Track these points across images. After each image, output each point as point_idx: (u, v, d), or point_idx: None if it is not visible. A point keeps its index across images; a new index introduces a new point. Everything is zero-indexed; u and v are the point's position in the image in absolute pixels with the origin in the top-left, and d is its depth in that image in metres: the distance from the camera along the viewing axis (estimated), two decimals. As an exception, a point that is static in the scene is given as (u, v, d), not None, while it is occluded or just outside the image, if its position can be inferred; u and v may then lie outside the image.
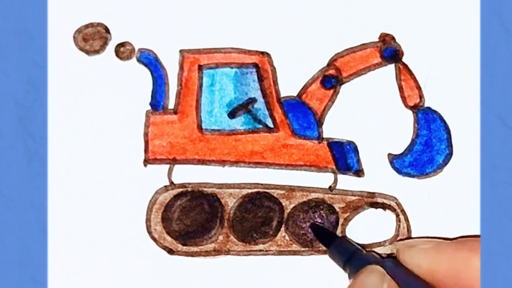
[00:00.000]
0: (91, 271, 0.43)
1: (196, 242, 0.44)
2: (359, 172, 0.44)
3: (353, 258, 0.40)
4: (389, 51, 0.44)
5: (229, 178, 0.44)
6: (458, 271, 0.37)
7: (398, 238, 0.44)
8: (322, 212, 0.44)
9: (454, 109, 0.44)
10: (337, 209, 0.44)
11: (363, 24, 0.44)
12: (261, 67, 0.43)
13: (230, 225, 0.44)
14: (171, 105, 0.43)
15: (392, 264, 0.39)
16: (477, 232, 0.43)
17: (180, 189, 0.44)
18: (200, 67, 0.43)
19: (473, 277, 0.36)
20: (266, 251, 0.44)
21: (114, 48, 0.43)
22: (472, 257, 0.37)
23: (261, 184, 0.44)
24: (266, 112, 0.44)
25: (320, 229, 0.43)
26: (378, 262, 0.40)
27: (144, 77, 0.43)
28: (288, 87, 0.44)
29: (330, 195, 0.44)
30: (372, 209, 0.44)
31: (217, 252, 0.44)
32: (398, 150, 0.44)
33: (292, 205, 0.44)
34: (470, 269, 0.37)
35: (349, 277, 0.40)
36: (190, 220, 0.44)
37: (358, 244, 0.42)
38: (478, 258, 0.37)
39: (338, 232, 0.44)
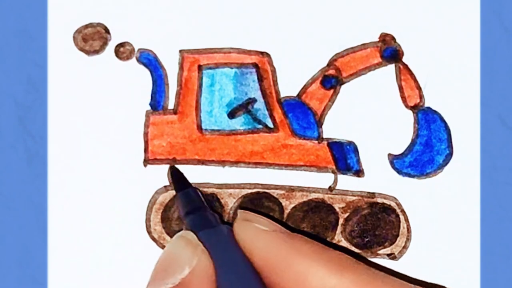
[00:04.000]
0: (91, 271, 0.43)
1: (196, 242, 0.44)
2: (359, 172, 0.44)
3: (193, 213, 0.38)
4: (389, 51, 0.44)
5: (229, 178, 0.44)
6: (280, 269, 0.33)
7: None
8: (322, 212, 0.44)
9: (454, 109, 0.44)
10: (337, 209, 0.44)
11: (363, 24, 0.44)
12: (261, 67, 0.44)
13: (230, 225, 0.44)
14: (171, 105, 0.43)
15: (220, 233, 0.36)
16: (477, 232, 0.43)
17: (180, 189, 0.44)
18: (200, 67, 0.43)
19: (290, 281, 0.32)
20: (266, 251, 0.44)
21: (114, 48, 0.43)
22: (299, 262, 0.32)
23: (261, 184, 0.44)
24: (266, 112, 0.44)
25: (178, 174, 0.42)
26: (210, 228, 0.37)
27: (144, 77, 0.43)
28: (288, 87, 0.44)
29: (330, 195, 0.44)
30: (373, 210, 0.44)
31: (217, 252, 0.44)
32: (398, 150, 0.44)
33: (292, 205, 0.44)
34: (289, 273, 0.32)
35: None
36: (190, 220, 0.44)
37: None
38: (302, 261, 0.32)
39: (338, 232, 0.44)
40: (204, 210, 0.39)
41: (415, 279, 0.43)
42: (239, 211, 0.36)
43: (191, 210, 0.39)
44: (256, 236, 0.34)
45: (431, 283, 0.43)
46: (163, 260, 0.35)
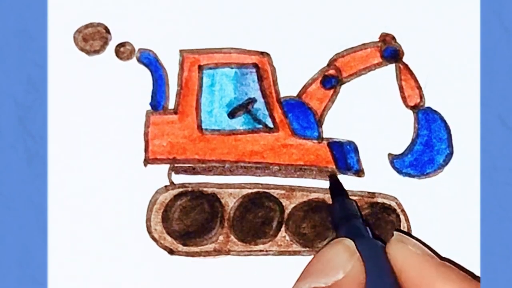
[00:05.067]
0: (91, 271, 0.43)
1: (196, 242, 0.44)
2: (359, 172, 0.44)
3: (347, 221, 0.40)
4: (390, 51, 0.44)
5: (229, 178, 0.44)
6: None
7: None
8: (322, 212, 0.44)
9: (454, 109, 0.44)
10: (337, 209, 0.44)
11: (363, 24, 0.44)
12: (261, 67, 0.44)
13: (230, 225, 0.44)
14: (171, 105, 0.43)
15: (374, 246, 0.37)
16: (477, 232, 0.43)
17: (180, 189, 0.44)
18: (200, 67, 0.43)
19: None
20: (267, 251, 0.44)
21: (114, 48, 0.43)
22: None
23: (261, 184, 0.44)
24: (266, 112, 0.44)
25: (336, 182, 0.43)
26: (365, 238, 0.39)
27: (144, 77, 0.43)
28: (288, 87, 0.44)
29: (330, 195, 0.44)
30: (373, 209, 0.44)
31: (217, 252, 0.44)
32: (399, 150, 0.44)
33: (293, 205, 0.44)
34: None
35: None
36: (190, 220, 0.44)
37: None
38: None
39: (338, 232, 0.44)
40: (360, 221, 0.40)
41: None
42: (395, 232, 0.38)
43: (348, 217, 0.40)
44: (408, 257, 0.36)
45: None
46: (319, 260, 0.36)
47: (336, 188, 0.43)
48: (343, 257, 0.36)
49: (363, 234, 0.39)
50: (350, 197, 0.44)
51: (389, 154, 0.44)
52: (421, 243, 0.43)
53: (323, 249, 0.37)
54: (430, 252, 0.36)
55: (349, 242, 0.36)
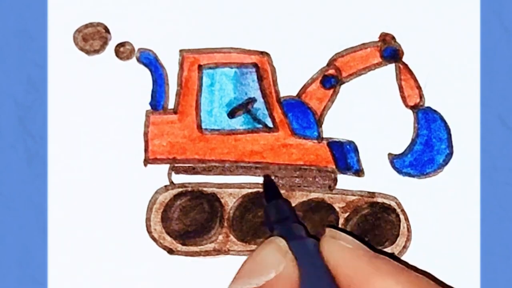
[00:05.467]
0: (91, 271, 0.43)
1: (196, 242, 0.44)
2: (359, 172, 0.44)
3: (283, 223, 0.39)
4: (389, 51, 0.44)
5: (229, 178, 0.44)
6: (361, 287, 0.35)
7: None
8: (322, 212, 0.44)
9: (454, 109, 0.44)
10: (337, 209, 0.44)
11: (363, 24, 0.44)
12: (260, 67, 0.44)
13: (230, 225, 0.44)
14: (171, 105, 0.43)
15: (307, 245, 0.37)
16: (477, 232, 0.43)
17: (180, 189, 0.44)
18: (200, 67, 0.43)
19: None
20: (266, 251, 0.44)
21: (114, 48, 0.43)
22: (380, 282, 0.34)
23: (261, 184, 0.44)
24: (266, 112, 0.44)
25: (271, 184, 0.43)
26: (297, 237, 0.38)
27: (144, 77, 0.43)
28: (288, 87, 0.44)
29: (330, 195, 0.44)
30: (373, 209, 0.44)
31: (217, 252, 0.44)
32: (398, 150, 0.44)
33: (292, 205, 0.44)
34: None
35: None
36: (190, 220, 0.44)
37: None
38: (383, 281, 0.34)
39: (338, 232, 0.44)
40: (294, 222, 0.40)
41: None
42: (327, 228, 0.37)
43: (281, 219, 0.40)
44: (341, 253, 0.36)
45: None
46: (251, 261, 0.36)
47: (270, 190, 0.42)
48: (274, 257, 0.35)
49: (296, 234, 0.38)
50: (350, 197, 0.44)
51: (389, 154, 0.44)
52: (420, 243, 0.43)
53: (256, 250, 0.36)
54: (363, 246, 0.36)
55: (280, 242, 0.36)
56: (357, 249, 0.36)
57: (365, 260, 0.35)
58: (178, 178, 0.44)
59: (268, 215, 0.41)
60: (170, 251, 0.43)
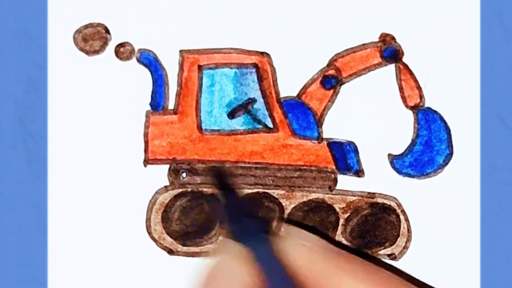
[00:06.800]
0: (91, 271, 0.43)
1: (196, 242, 0.44)
2: (359, 172, 0.44)
3: (237, 220, 0.39)
4: (389, 51, 0.44)
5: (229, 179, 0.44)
6: (321, 285, 0.34)
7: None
8: (322, 212, 0.44)
9: (454, 109, 0.44)
10: (338, 210, 0.44)
11: (363, 24, 0.44)
12: (260, 67, 0.44)
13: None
14: (171, 105, 0.43)
15: (266, 245, 0.36)
16: (477, 232, 0.43)
17: (180, 190, 0.44)
18: (200, 68, 0.43)
19: None
20: (266, 251, 0.44)
21: (114, 49, 0.43)
22: (339, 279, 0.34)
23: (261, 185, 0.44)
24: (266, 112, 0.44)
25: (226, 179, 0.42)
26: (255, 238, 0.37)
27: (144, 77, 0.43)
28: (288, 87, 0.44)
29: (330, 195, 0.44)
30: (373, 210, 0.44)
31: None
32: (398, 150, 0.44)
33: (292, 205, 0.44)
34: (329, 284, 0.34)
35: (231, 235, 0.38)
36: (190, 221, 0.44)
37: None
38: (342, 278, 0.33)
39: (339, 233, 0.44)
40: (250, 219, 0.39)
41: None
42: (284, 225, 0.37)
43: (237, 218, 0.39)
44: (299, 250, 0.35)
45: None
46: (214, 272, 0.35)
47: (225, 184, 0.42)
48: (236, 270, 0.34)
49: (253, 233, 0.37)
50: (350, 197, 0.44)
51: (389, 154, 0.44)
52: (420, 243, 0.43)
53: (217, 259, 0.35)
54: (323, 242, 0.35)
55: (243, 251, 0.35)
56: (315, 246, 0.35)
57: (325, 257, 0.34)
58: (178, 179, 0.44)
59: (223, 211, 0.40)
60: (170, 252, 0.43)
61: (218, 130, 0.44)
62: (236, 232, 0.38)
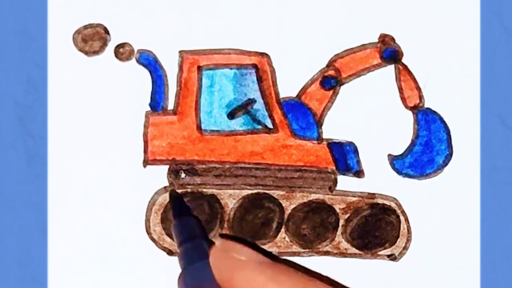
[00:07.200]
0: (91, 271, 0.43)
1: (196, 243, 0.44)
2: (359, 173, 0.44)
3: (189, 246, 0.39)
4: (389, 52, 0.44)
5: (228, 179, 0.44)
6: None
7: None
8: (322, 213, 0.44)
9: (454, 109, 0.44)
10: (338, 210, 0.44)
11: (362, 24, 0.44)
12: (260, 68, 0.44)
13: (230, 226, 0.44)
14: (170, 105, 0.44)
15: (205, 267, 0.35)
16: (477, 232, 0.43)
17: (180, 190, 0.44)
18: (200, 68, 0.43)
19: None
20: (266, 252, 0.44)
21: (113, 49, 0.43)
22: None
23: (261, 185, 0.44)
24: (266, 113, 0.44)
25: (179, 200, 0.42)
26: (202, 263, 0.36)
27: (144, 78, 0.43)
28: (288, 88, 0.44)
29: (330, 196, 0.44)
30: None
31: (217, 253, 0.44)
32: (398, 151, 0.44)
33: (292, 206, 0.44)
34: None
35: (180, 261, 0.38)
36: (190, 221, 0.44)
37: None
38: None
39: (339, 233, 0.44)
40: (197, 241, 0.39)
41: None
42: (218, 239, 0.35)
43: (191, 237, 0.39)
44: (234, 265, 0.34)
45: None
46: None
47: (178, 205, 0.42)
48: None
49: (205, 255, 0.36)
50: (350, 198, 0.44)
51: (389, 155, 0.44)
52: (420, 244, 0.43)
53: None
54: (258, 255, 0.34)
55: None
56: (251, 260, 0.33)
57: (259, 271, 0.33)
58: (178, 179, 0.44)
59: (176, 231, 0.40)
60: (170, 252, 0.43)
61: (217, 131, 0.44)
62: (187, 252, 0.38)
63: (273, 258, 0.35)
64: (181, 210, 0.42)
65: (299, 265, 0.42)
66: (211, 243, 0.36)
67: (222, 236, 0.41)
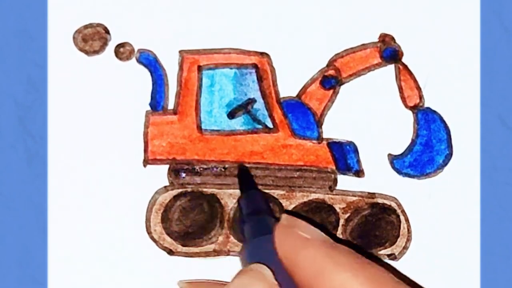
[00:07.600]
0: (91, 271, 0.43)
1: (196, 242, 0.44)
2: (359, 173, 0.44)
3: (255, 216, 0.38)
4: (389, 52, 0.44)
5: (228, 179, 0.44)
6: (318, 280, 0.32)
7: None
8: (322, 212, 0.44)
9: (454, 109, 0.44)
10: (338, 210, 0.44)
11: (362, 24, 0.44)
12: (260, 67, 0.44)
13: (230, 226, 0.44)
14: (170, 105, 0.44)
15: (268, 244, 0.35)
16: (477, 232, 0.43)
17: (180, 190, 0.44)
18: (200, 68, 0.43)
19: None
20: (266, 251, 0.44)
21: (113, 49, 0.43)
22: (336, 275, 0.32)
23: (261, 185, 0.44)
24: (266, 113, 0.44)
25: (246, 174, 0.42)
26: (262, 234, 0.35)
27: (144, 77, 0.43)
28: (288, 88, 0.44)
29: (330, 196, 0.44)
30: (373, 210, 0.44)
31: (217, 253, 0.44)
32: (398, 151, 0.44)
33: (293, 206, 0.44)
34: (326, 285, 0.32)
35: (243, 236, 0.38)
36: (190, 221, 0.44)
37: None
38: (340, 274, 0.31)
39: (339, 233, 0.44)
40: (267, 214, 0.39)
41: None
42: (283, 215, 0.35)
43: (256, 213, 0.39)
44: (296, 244, 0.33)
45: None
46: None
47: (245, 180, 0.42)
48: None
49: (270, 231, 0.36)
50: (350, 197, 0.44)
51: (389, 155, 0.44)
52: (420, 243, 0.43)
53: (238, 278, 0.34)
54: (322, 234, 0.33)
55: (266, 271, 0.33)
56: (315, 239, 0.33)
57: (322, 251, 0.32)
58: (178, 179, 0.44)
59: (241, 206, 0.40)
60: (170, 252, 0.43)
61: (218, 130, 0.44)
62: (256, 229, 0.37)
63: (340, 242, 0.34)
64: (249, 184, 0.41)
65: (359, 247, 0.42)
66: (277, 219, 0.36)
67: (288, 212, 0.41)
